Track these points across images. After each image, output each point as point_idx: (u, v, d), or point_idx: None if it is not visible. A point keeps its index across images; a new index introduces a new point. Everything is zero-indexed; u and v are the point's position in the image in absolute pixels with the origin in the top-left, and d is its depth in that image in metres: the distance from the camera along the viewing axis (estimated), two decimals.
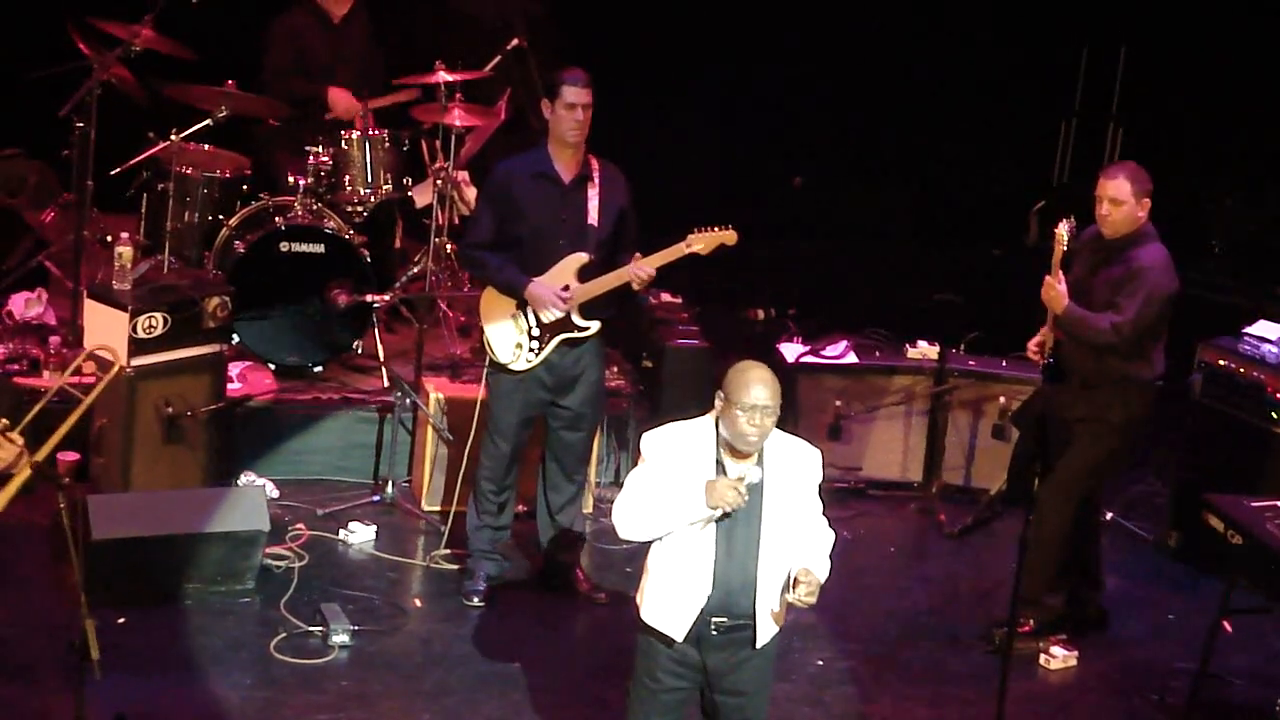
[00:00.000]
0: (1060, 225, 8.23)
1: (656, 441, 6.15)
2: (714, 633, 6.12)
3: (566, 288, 8.23)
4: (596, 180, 8.30)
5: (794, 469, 6.16)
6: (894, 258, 14.01)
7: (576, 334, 8.33)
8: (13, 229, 10.78)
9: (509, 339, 8.35)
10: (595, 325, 8.36)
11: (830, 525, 6.30)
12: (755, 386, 5.98)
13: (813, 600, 6.06)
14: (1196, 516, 8.19)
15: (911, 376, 10.41)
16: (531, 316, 8.31)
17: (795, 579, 6.04)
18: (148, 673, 7.62)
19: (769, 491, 6.10)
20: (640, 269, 8.18)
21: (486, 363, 8.52)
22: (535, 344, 8.33)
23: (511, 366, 8.37)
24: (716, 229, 8.15)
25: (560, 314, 8.25)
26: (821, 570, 6.15)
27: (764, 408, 5.97)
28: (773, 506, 6.10)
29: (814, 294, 12.72)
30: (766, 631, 6.17)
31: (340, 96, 10.47)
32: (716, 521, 6.04)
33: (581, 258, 8.25)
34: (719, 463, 6.07)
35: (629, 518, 6.11)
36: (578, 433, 8.56)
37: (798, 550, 6.13)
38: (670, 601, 6.12)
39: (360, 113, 10.38)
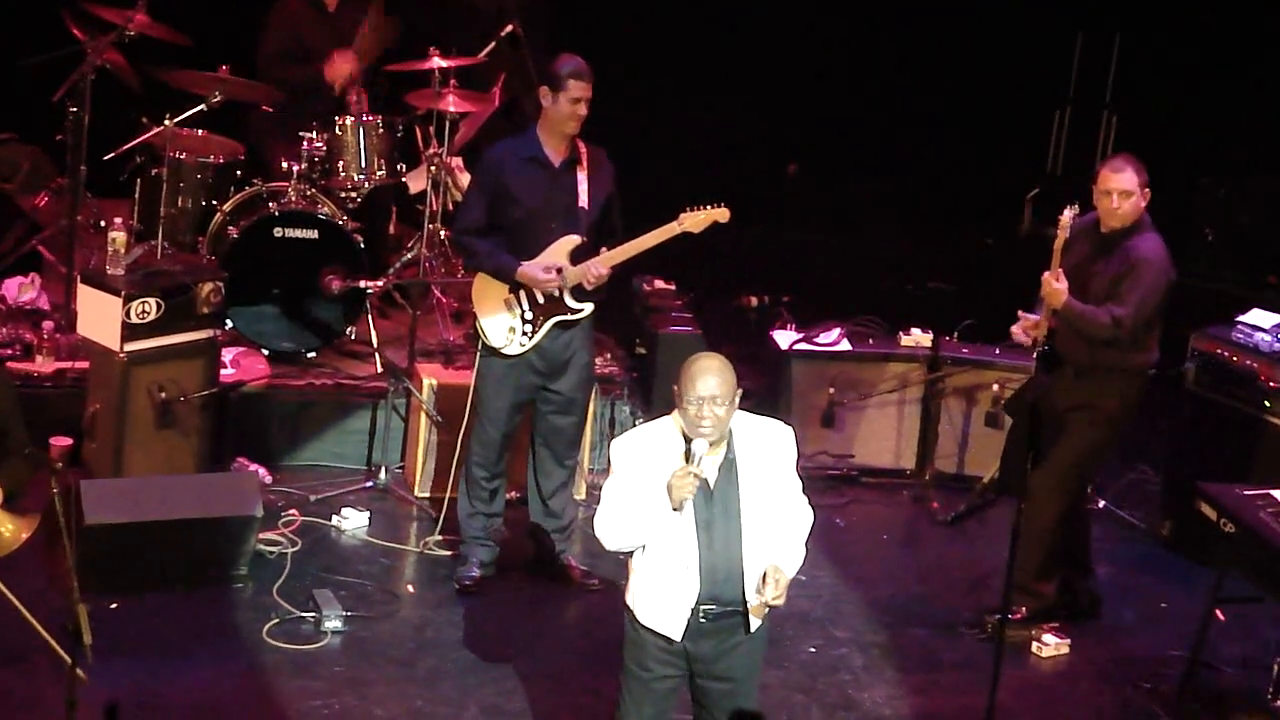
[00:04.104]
0: (1065, 212, 8.21)
1: (624, 449, 6.14)
2: (704, 620, 6.11)
3: (559, 269, 8.23)
4: (585, 164, 8.32)
5: (767, 450, 6.14)
6: (888, 245, 14.02)
7: (570, 316, 8.33)
8: (6, 213, 10.76)
9: (502, 323, 8.35)
10: (589, 307, 8.37)
11: (813, 506, 6.29)
12: (703, 378, 5.94)
13: (780, 602, 6.05)
14: (1189, 505, 8.22)
15: (905, 364, 10.40)
16: (525, 300, 8.32)
17: (764, 577, 6.03)
18: (140, 658, 7.62)
19: (744, 476, 6.08)
20: (593, 267, 8.19)
21: (479, 347, 8.52)
22: (528, 328, 8.33)
23: (505, 351, 8.37)
24: (708, 207, 8.17)
25: (554, 294, 8.25)
26: (793, 562, 6.14)
27: (713, 398, 5.93)
28: (750, 490, 6.08)
29: (807, 281, 12.75)
30: (756, 618, 6.16)
31: (335, 61, 10.40)
32: (695, 516, 6.02)
33: (574, 240, 8.26)
34: (689, 453, 6.02)
35: (610, 531, 6.12)
36: (568, 417, 8.56)
37: (778, 534, 6.12)
38: (662, 600, 6.11)
39: (355, 69, 10.33)
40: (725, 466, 6.08)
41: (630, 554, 6.20)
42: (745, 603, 6.11)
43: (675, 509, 5.94)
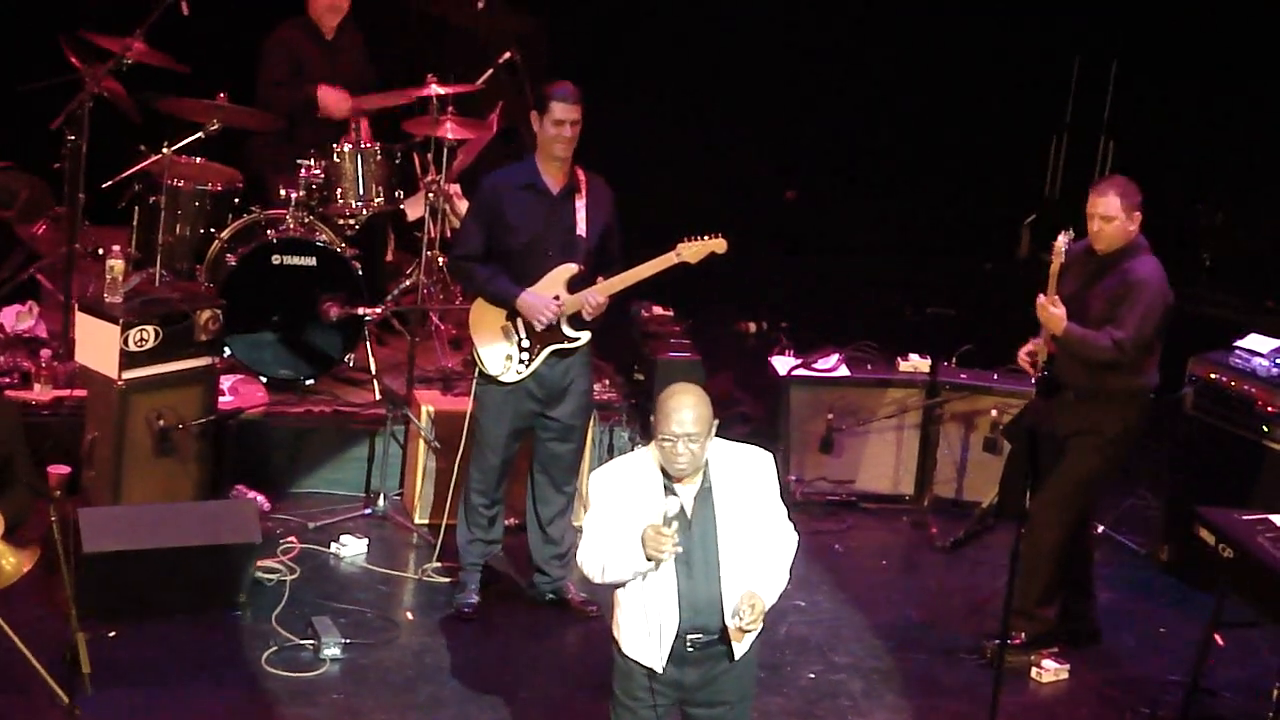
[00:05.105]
0: (1059, 237, 8.23)
1: (602, 482, 6.12)
2: (690, 649, 6.09)
3: (557, 298, 8.24)
4: (584, 192, 8.33)
5: (744, 477, 6.10)
6: (886, 271, 14.03)
7: (566, 345, 8.34)
8: (4, 242, 10.76)
9: (499, 351, 8.36)
10: (585, 336, 8.37)
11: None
12: (678, 414, 5.91)
13: (756, 628, 6.04)
14: (1188, 530, 8.20)
15: (903, 390, 10.40)
16: (522, 328, 8.32)
17: (740, 603, 6.00)
18: (139, 686, 7.61)
19: (720, 505, 6.05)
20: (590, 296, 8.20)
21: (475, 375, 8.53)
22: (525, 355, 8.33)
23: (501, 378, 8.37)
24: (706, 237, 8.19)
25: (552, 323, 8.25)
26: (773, 588, 6.11)
27: (688, 435, 5.90)
28: (727, 520, 6.05)
29: (806, 307, 12.75)
30: (741, 645, 6.15)
31: (329, 93, 10.43)
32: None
33: (571, 268, 8.26)
34: (667, 487, 6.00)
35: (594, 567, 6.09)
36: (567, 444, 8.56)
37: (758, 560, 6.09)
38: (644, 631, 6.10)
39: (350, 110, 10.34)
40: (701, 497, 6.05)
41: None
42: (728, 630, 6.08)
43: (649, 560, 5.91)
